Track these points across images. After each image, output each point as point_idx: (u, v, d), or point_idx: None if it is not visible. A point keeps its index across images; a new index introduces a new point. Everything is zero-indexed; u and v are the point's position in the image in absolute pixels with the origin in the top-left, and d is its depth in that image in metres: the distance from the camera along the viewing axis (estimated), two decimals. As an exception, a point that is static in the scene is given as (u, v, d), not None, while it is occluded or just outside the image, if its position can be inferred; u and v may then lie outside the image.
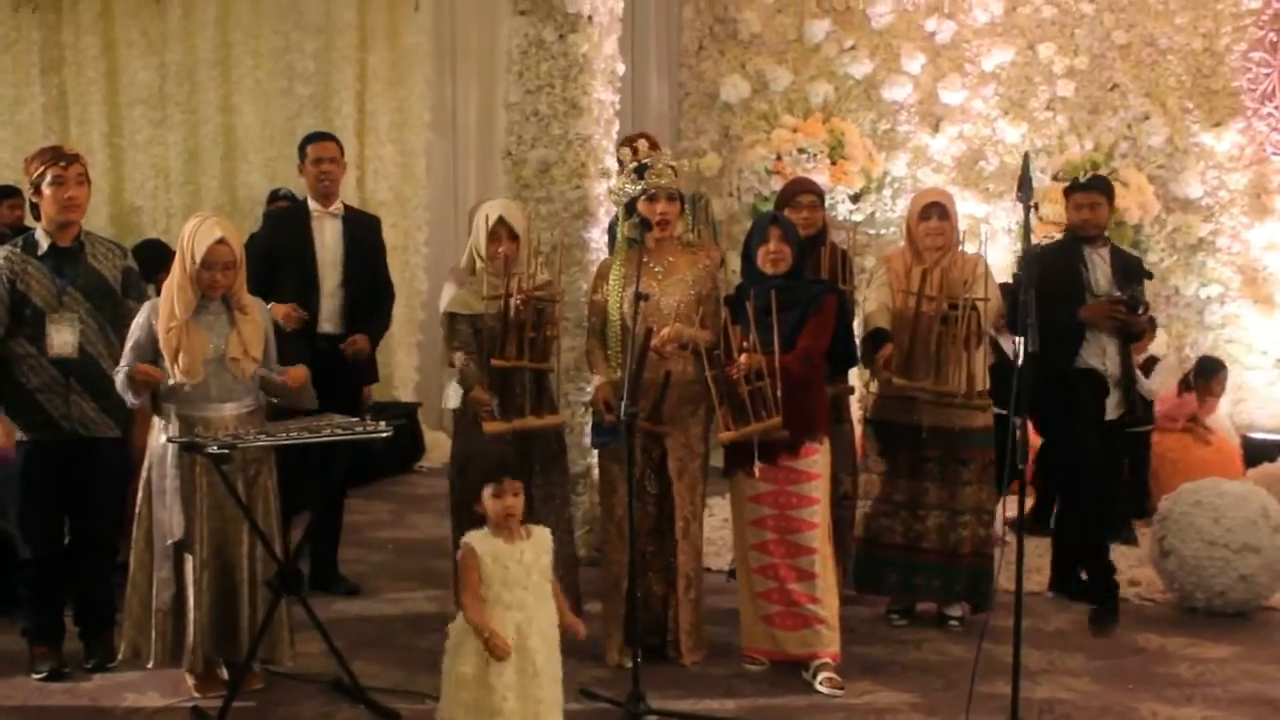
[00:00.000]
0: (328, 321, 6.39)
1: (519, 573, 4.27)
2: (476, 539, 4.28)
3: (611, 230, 6.53)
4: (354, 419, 5.07)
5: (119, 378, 4.97)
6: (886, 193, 9.61)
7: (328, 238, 6.43)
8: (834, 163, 9.29)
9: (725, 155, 9.89)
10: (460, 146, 10.18)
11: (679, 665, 5.39)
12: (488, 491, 4.27)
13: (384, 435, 4.97)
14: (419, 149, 9.57)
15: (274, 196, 8.27)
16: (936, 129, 9.73)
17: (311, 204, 6.47)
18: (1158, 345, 9.22)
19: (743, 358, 5.10)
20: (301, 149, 6.57)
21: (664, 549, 5.43)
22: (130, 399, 4.98)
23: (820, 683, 5.15)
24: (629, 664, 4.94)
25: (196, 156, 9.60)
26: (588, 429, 6.49)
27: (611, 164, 6.94)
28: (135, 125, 9.61)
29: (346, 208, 6.58)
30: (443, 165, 10.08)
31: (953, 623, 5.93)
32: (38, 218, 5.37)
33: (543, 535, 4.38)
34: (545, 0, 6.90)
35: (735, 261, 6.58)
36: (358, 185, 9.35)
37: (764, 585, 5.35)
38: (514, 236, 5.34)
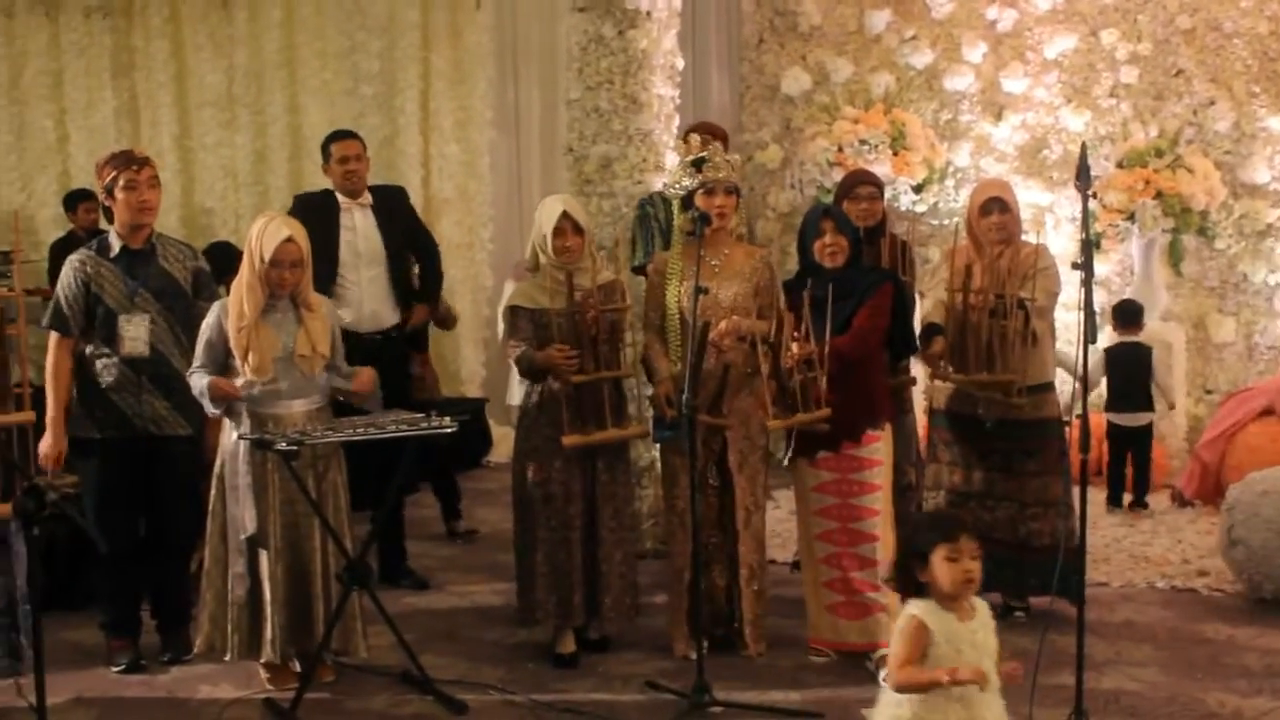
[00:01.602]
0: (370, 316, 6.46)
1: (973, 657, 3.52)
2: (926, 611, 3.52)
3: (643, 211, 6.55)
4: (419, 414, 5.15)
5: (194, 380, 5.07)
6: (949, 183, 9.57)
7: (360, 229, 6.48)
8: (896, 154, 9.25)
9: (787, 148, 9.88)
10: (523, 143, 10.23)
11: (744, 656, 5.43)
12: (940, 553, 3.52)
13: (449, 430, 5.04)
14: (482, 147, 9.62)
15: None
16: (999, 118, 9.67)
17: (340, 199, 6.51)
18: (1225, 332, 9.15)
19: (795, 346, 5.12)
20: (325, 148, 6.59)
21: (727, 540, 5.47)
22: (209, 408, 5.08)
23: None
24: (694, 655, 4.99)
25: (264, 157, 9.72)
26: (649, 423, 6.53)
27: (673, 159, 6.98)
28: (204, 127, 9.72)
29: (371, 190, 6.59)
30: (506, 162, 10.14)
31: (1018, 614, 5.91)
32: (111, 221, 5.48)
33: (985, 610, 3.67)
34: (605, -4, 6.95)
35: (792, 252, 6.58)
36: (422, 184, 9.42)
37: (828, 575, 5.37)
38: (579, 230, 5.38)
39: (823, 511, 5.35)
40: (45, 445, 5.30)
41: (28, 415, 4.77)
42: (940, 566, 3.49)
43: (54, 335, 5.36)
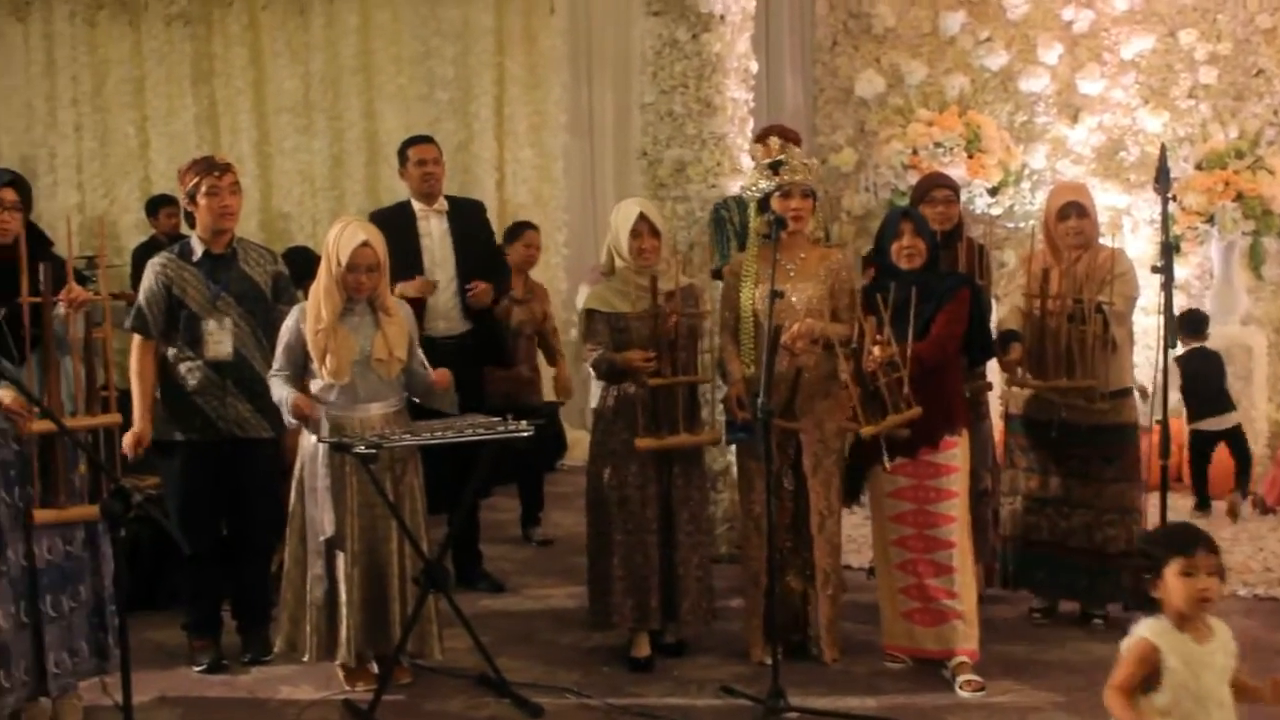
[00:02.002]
0: (443, 319, 6.50)
1: (1212, 684, 3.27)
2: (1158, 632, 3.26)
3: (718, 215, 6.55)
4: (496, 419, 5.18)
5: (274, 385, 5.13)
6: (1025, 185, 9.48)
7: (435, 235, 6.53)
8: (971, 156, 9.20)
9: (861, 150, 9.85)
10: (597, 148, 10.26)
11: (822, 662, 5.41)
12: (1173, 568, 3.26)
13: (525, 434, 5.07)
14: (557, 151, 9.65)
15: None
16: (1075, 120, 9.58)
17: (416, 204, 6.56)
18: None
19: (876, 350, 5.10)
20: (402, 153, 6.64)
21: (801, 545, 5.45)
22: (288, 420, 5.13)
23: (960, 686, 5.14)
24: (770, 661, 4.98)
25: (341, 162, 9.80)
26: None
27: (747, 162, 6.98)
28: (282, 133, 9.82)
29: (449, 200, 6.65)
30: (580, 167, 10.17)
31: (1096, 622, 5.86)
32: (193, 226, 5.55)
33: (1225, 632, 3.35)
34: (678, 1, 6.95)
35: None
36: (497, 188, 9.47)
37: (903, 581, 5.35)
38: (655, 233, 5.39)
39: (898, 518, 5.33)
40: (130, 434, 5.34)
41: (114, 417, 4.84)
42: (1174, 582, 3.24)
43: (136, 337, 5.44)
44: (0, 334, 4.27)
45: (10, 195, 4.74)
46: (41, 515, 4.64)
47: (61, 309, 4.65)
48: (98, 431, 4.77)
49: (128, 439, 5.34)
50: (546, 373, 7.69)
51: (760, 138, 6.41)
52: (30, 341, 4.60)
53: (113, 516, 3.60)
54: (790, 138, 6.08)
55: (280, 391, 5.10)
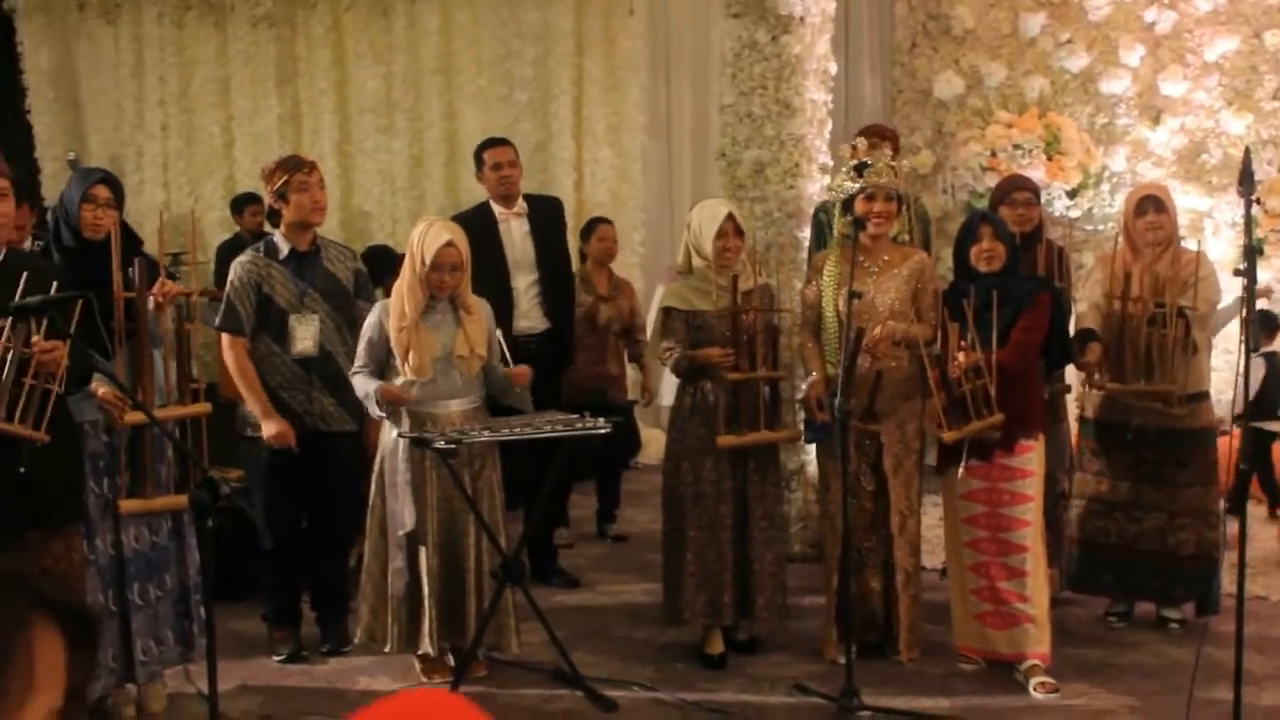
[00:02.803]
0: (524, 319, 6.56)
1: None
2: None
3: (816, 218, 6.58)
4: (574, 415, 5.24)
5: (357, 381, 5.21)
6: (1105, 188, 9.42)
7: (516, 237, 6.59)
8: (1050, 158, 9.15)
9: (939, 152, 9.82)
10: (675, 149, 10.31)
11: (894, 662, 5.42)
12: None
13: (602, 431, 5.12)
14: (635, 152, 9.68)
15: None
16: (1157, 122, 9.51)
17: (495, 207, 6.62)
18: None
19: (961, 355, 5.10)
20: (478, 155, 6.71)
21: (881, 545, 5.46)
22: (374, 411, 5.21)
23: (1034, 689, 5.13)
24: (844, 660, 5.00)
25: (421, 162, 9.89)
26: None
27: (826, 162, 7.00)
28: (364, 133, 9.92)
29: (527, 200, 6.71)
30: (658, 167, 10.21)
31: (1173, 625, 5.82)
32: (277, 224, 5.64)
33: None
34: (758, 2, 6.97)
35: (949, 257, 6.56)
36: (575, 188, 9.53)
37: (976, 583, 5.34)
38: (740, 233, 5.43)
39: (971, 520, 5.33)
40: (272, 431, 5.42)
41: (204, 407, 4.94)
42: None
43: (227, 337, 5.50)
44: (94, 328, 4.37)
45: (104, 193, 4.86)
46: (128, 505, 4.75)
47: (153, 304, 4.76)
48: (185, 423, 4.88)
49: (275, 437, 5.43)
50: (633, 372, 7.73)
51: (861, 135, 6.44)
52: (120, 335, 4.71)
53: (201, 507, 3.68)
54: (887, 137, 6.10)
55: (364, 386, 5.18)
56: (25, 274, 4.11)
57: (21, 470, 4.01)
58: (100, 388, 4.60)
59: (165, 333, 4.82)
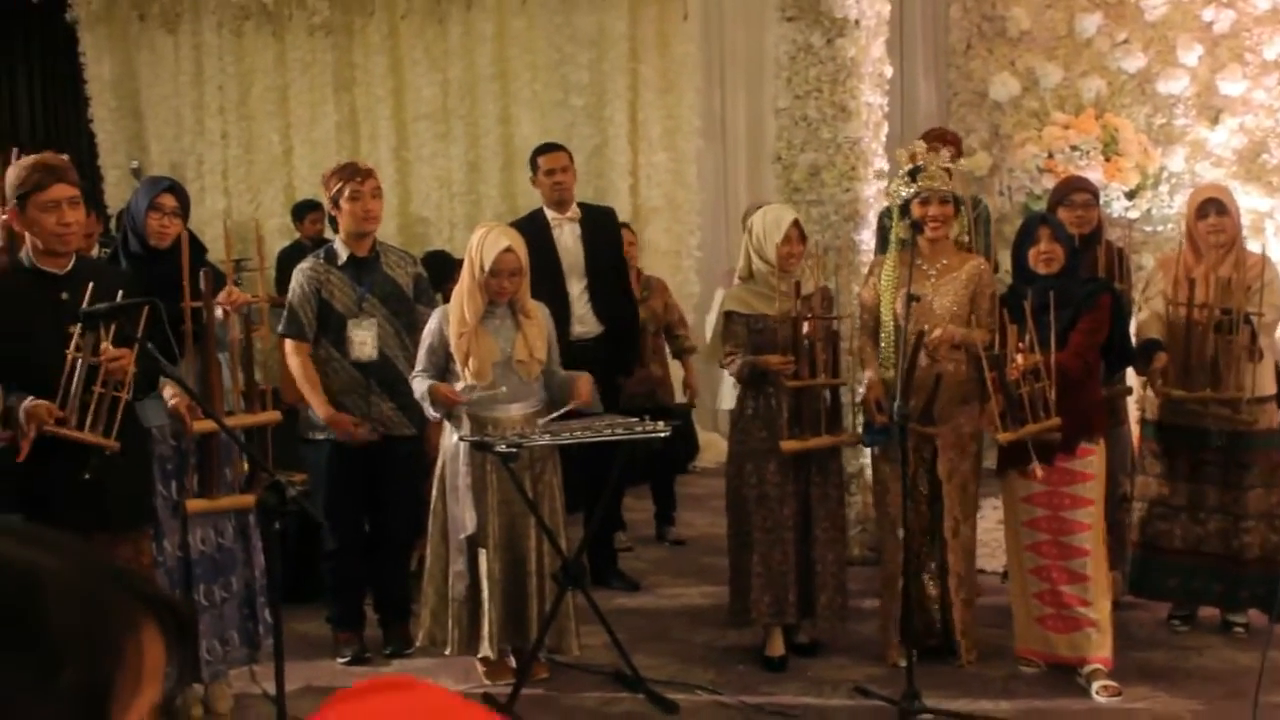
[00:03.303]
0: (579, 324, 6.58)
1: None
2: None
3: (881, 223, 6.59)
4: (634, 419, 5.26)
5: (416, 384, 5.26)
6: (1163, 188, 9.36)
7: (568, 242, 6.61)
8: (1108, 159, 9.10)
9: (995, 154, 9.78)
10: (730, 152, 10.32)
11: (955, 665, 5.41)
12: None
13: (662, 435, 5.14)
14: (690, 155, 9.69)
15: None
16: (1215, 122, 9.43)
17: (549, 212, 6.64)
18: None
19: (1020, 358, 5.08)
20: (533, 161, 6.73)
21: (936, 549, 5.46)
22: (430, 413, 5.26)
23: (1096, 692, 5.10)
24: (905, 663, 4.99)
25: (477, 168, 9.93)
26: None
27: (882, 166, 7.00)
28: (420, 139, 9.98)
29: (581, 207, 6.74)
30: (713, 171, 10.23)
31: (1237, 629, 5.78)
32: (337, 230, 5.71)
33: None
34: (813, 6, 6.97)
35: (1007, 260, 6.55)
36: (631, 192, 9.54)
37: (1036, 587, 5.32)
38: (803, 239, 5.45)
39: (1032, 523, 5.30)
40: (341, 433, 5.49)
41: (273, 415, 5.00)
42: None
43: (290, 343, 5.57)
44: (162, 334, 4.44)
45: (170, 201, 4.94)
46: (195, 505, 4.81)
47: (221, 312, 4.82)
48: (252, 429, 4.94)
49: (342, 433, 5.49)
50: (676, 371, 7.75)
51: (924, 141, 6.45)
52: (184, 342, 4.77)
53: (268, 510, 3.73)
54: (949, 140, 6.09)
55: (421, 388, 5.23)
56: (94, 281, 4.18)
57: (86, 477, 4.07)
58: (171, 397, 4.66)
59: (233, 340, 4.88)
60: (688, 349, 7.67)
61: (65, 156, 4.51)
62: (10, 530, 0.94)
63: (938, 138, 6.07)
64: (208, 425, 4.64)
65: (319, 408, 5.51)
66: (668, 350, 7.64)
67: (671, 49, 9.65)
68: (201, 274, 4.77)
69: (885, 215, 6.55)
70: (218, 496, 4.88)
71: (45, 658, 0.87)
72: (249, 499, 4.81)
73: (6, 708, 0.84)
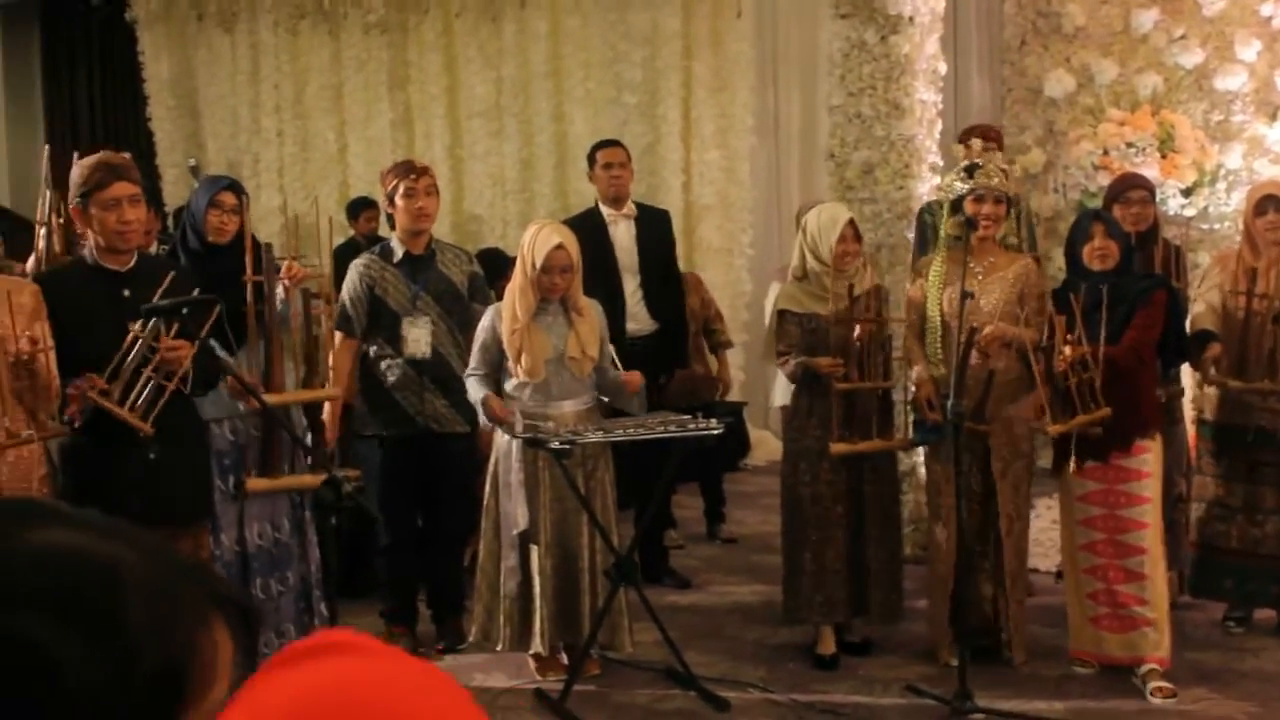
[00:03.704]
0: (633, 321, 6.59)
1: None
2: None
3: (921, 218, 6.56)
4: (687, 416, 5.27)
5: (470, 384, 5.29)
6: (1220, 186, 9.26)
7: (623, 240, 6.63)
8: (1164, 156, 9.01)
9: (1049, 151, 9.71)
10: (783, 150, 10.30)
11: (1007, 665, 5.39)
12: None
13: (716, 432, 5.15)
14: (742, 153, 9.69)
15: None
16: (1275, 118, 9.33)
17: (604, 209, 6.66)
18: None
19: (1067, 349, 5.06)
20: (590, 156, 6.76)
21: (989, 548, 5.44)
22: (484, 420, 5.29)
23: (1151, 693, 5.07)
24: (956, 662, 4.98)
25: (531, 165, 9.97)
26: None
27: (936, 162, 6.97)
28: (474, 137, 10.02)
29: (637, 206, 6.76)
30: (766, 168, 10.22)
31: (1297, 632, 5.74)
32: (393, 228, 5.75)
33: None
34: (867, 3, 6.96)
35: (1059, 258, 6.52)
36: (683, 190, 9.56)
37: (1092, 586, 5.29)
38: (859, 238, 5.45)
39: (1088, 522, 5.28)
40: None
41: (333, 391, 5.03)
42: None
43: (338, 335, 5.61)
44: (221, 331, 4.49)
45: (230, 199, 5.00)
46: (254, 484, 4.85)
47: (281, 289, 4.87)
48: (312, 424, 4.98)
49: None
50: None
51: (963, 138, 6.41)
52: (245, 328, 4.83)
53: (324, 505, 3.77)
54: (992, 138, 6.07)
55: (476, 392, 5.26)
56: (160, 277, 4.23)
57: (151, 457, 4.11)
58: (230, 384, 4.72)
59: (295, 316, 4.93)
60: (723, 342, 7.69)
61: (127, 155, 4.58)
62: (91, 524, 0.95)
63: (980, 134, 6.04)
64: (272, 399, 4.66)
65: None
66: (705, 345, 7.65)
67: (725, 46, 9.66)
68: (263, 249, 4.82)
69: (926, 211, 6.54)
70: (279, 476, 4.92)
71: (124, 650, 0.88)
72: (310, 479, 4.83)
73: (87, 697, 0.86)
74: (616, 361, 5.43)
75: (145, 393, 4.11)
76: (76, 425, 4.10)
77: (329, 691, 0.92)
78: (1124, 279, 5.23)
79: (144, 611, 0.91)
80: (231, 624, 0.99)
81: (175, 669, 0.91)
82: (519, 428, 5.16)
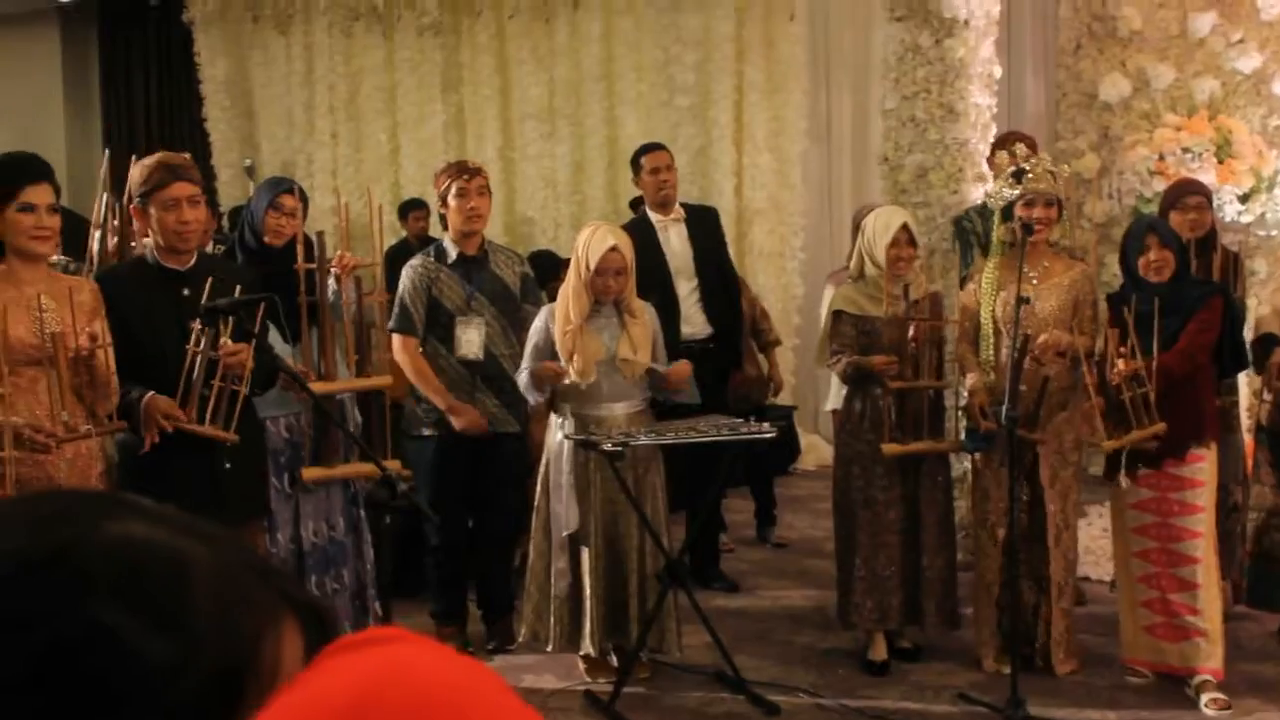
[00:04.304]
0: (688, 324, 6.58)
1: None
2: None
3: (960, 226, 6.52)
4: (739, 420, 5.27)
5: (521, 378, 5.31)
6: (1278, 191, 9.17)
7: (675, 244, 6.61)
8: (1221, 162, 8.93)
9: (1104, 156, 9.64)
10: (835, 153, 10.29)
11: (1053, 675, 5.35)
12: None
13: (768, 436, 5.14)
14: (795, 157, 9.67)
15: (638, 202, 8.63)
16: (1334, 124, 9.24)
17: (653, 214, 6.64)
18: None
19: (1121, 363, 5.02)
20: (635, 161, 6.74)
21: (1034, 556, 5.39)
22: (534, 397, 5.31)
23: (1205, 705, 5.03)
24: (1005, 670, 4.95)
25: (583, 168, 9.99)
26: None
27: (989, 168, 6.93)
28: (526, 139, 10.06)
29: (685, 208, 6.73)
30: (818, 172, 10.20)
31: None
32: (446, 228, 5.77)
33: None
34: (921, 5, 6.94)
35: (1113, 264, 6.48)
36: (735, 193, 9.55)
37: (1145, 594, 5.25)
38: (913, 243, 5.43)
39: (1141, 530, 5.24)
40: (462, 422, 5.54)
41: (384, 380, 5.05)
42: None
43: (399, 338, 5.62)
44: (279, 329, 4.53)
45: (290, 202, 5.05)
46: (310, 473, 4.87)
47: (334, 278, 4.90)
48: (368, 420, 5.00)
49: (467, 426, 5.53)
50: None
51: (999, 145, 6.37)
52: (299, 326, 4.86)
53: (379, 504, 3.78)
54: (1026, 143, 6.03)
55: (524, 379, 5.27)
56: (219, 276, 4.27)
57: (227, 466, 4.15)
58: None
59: (347, 304, 4.97)
60: (772, 341, 7.67)
61: (187, 155, 4.61)
62: (167, 518, 0.97)
63: (1015, 139, 6.00)
64: (325, 387, 4.69)
65: (439, 401, 5.55)
66: (754, 346, 7.64)
67: (777, 50, 9.65)
68: (316, 239, 4.85)
69: (964, 218, 6.50)
70: (334, 465, 4.95)
71: (188, 640, 0.89)
72: (365, 467, 4.84)
73: (150, 684, 0.87)
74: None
75: (220, 403, 4.15)
76: (145, 450, 4.15)
77: (390, 676, 0.92)
78: (1181, 286, 5.18)
79: (211, 605, 0.91)
80: (304, 624, 0.99)
81: (239, 664, 0.92)
82: (569, 426, 5.17)
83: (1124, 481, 5.10)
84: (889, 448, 5.33)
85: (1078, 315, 5.29)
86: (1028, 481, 5.36)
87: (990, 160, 6.76)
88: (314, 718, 0.88)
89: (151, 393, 4.12)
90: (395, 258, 7.79)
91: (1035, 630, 5.42)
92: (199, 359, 4.10)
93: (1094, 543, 7.04)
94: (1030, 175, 5.32)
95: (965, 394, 5.54)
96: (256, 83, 10.58)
